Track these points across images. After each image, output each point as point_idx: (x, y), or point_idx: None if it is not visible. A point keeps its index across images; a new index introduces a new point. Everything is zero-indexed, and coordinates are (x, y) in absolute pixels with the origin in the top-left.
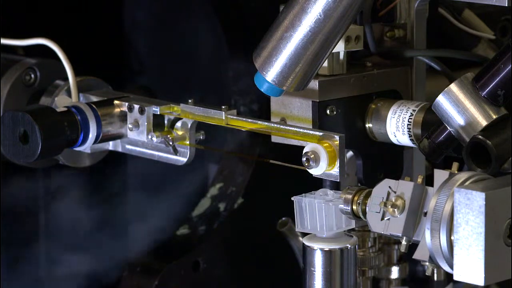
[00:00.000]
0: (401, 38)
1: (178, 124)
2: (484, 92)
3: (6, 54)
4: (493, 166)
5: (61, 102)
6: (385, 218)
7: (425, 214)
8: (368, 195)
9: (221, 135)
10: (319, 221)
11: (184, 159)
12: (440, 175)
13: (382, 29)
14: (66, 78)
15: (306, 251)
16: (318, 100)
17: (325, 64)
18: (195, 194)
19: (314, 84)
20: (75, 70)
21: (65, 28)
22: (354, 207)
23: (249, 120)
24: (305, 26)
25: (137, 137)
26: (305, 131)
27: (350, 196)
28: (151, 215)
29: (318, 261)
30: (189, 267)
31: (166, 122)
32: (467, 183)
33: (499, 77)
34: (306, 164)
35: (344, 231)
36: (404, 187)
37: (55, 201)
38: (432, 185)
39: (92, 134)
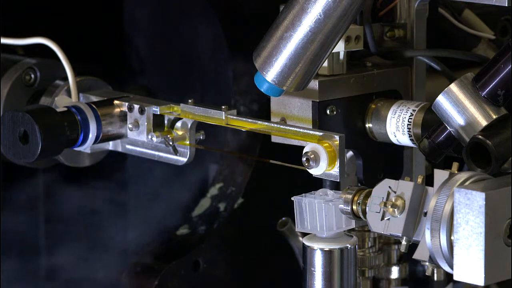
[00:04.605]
0: (401, 38)
1: (178, 124)
2: (484, 92)
3: (6, 54)
4: (493, 166)
5: (61, 102)
6: (385, 218)
7: (425, 214)
8: (368, 195)
9: (221, 135)
10: (319, 221)
11: (184, 159)
12: (440, 175)
13: (382, 29)
14: (66, 78)
15: (306, 251)
16: (318, 100)
17: (325, 64)
18: (195, 194)
19: (314, 84)
20: (75, 70)
21: (65, 28)
22: (354, 207)
23: (249, 120)
24: (305, 26)
25: (137, 137)
26: (305, 131)
27: (350, 196)
28: (151, 215)
29: (318, 261)
30: (189, 267)
31: (166, 122)
32: (467, 183)
33: (499, 77)
34: (306, 164)
35: (344, 231)
36: (404, 187)
37: (55, 201)
38: (432, 185)
39: (92, 134)
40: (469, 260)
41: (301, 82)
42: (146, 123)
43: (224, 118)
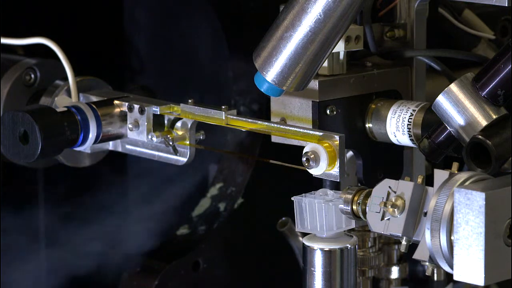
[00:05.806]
0: (401, 38)
1: (178, 124)
2: (484, 92)
3: (6, 54)
4: (493, 166)
5: (61, 102)
6: (385, 218)
7: (425, 214)
8: (368, 195)
9: (221, 135)
10: (319, 221)
11: (184, 159)
12: (440, 175)
13: (382, 29)
14: (66, 78)
15: (306, 251)
16: (318, 100)
17: (325, 64)
18: (195, 194)
19: (314, 84)
20: (75, 70)
21: (65, 28)
22: (354, 207)
23: (249, 120)
24: (305, 26)
25: (137, 137)
26: (305, 131)
27: (350, 196)
28: (151, 215)
29: (318, 261)
30: (189, 267)
31: (166, 122)
32: (467, 183)
33: (499, 77)
34: (306, 164)
35: (344, 231)
36: (404, 187)
37: (54, 201)
38: (432, 185)
39: (92, 134)
40: (469, 260)
41: (301, 82)
42: (146, 123)
43: (224, 118)
